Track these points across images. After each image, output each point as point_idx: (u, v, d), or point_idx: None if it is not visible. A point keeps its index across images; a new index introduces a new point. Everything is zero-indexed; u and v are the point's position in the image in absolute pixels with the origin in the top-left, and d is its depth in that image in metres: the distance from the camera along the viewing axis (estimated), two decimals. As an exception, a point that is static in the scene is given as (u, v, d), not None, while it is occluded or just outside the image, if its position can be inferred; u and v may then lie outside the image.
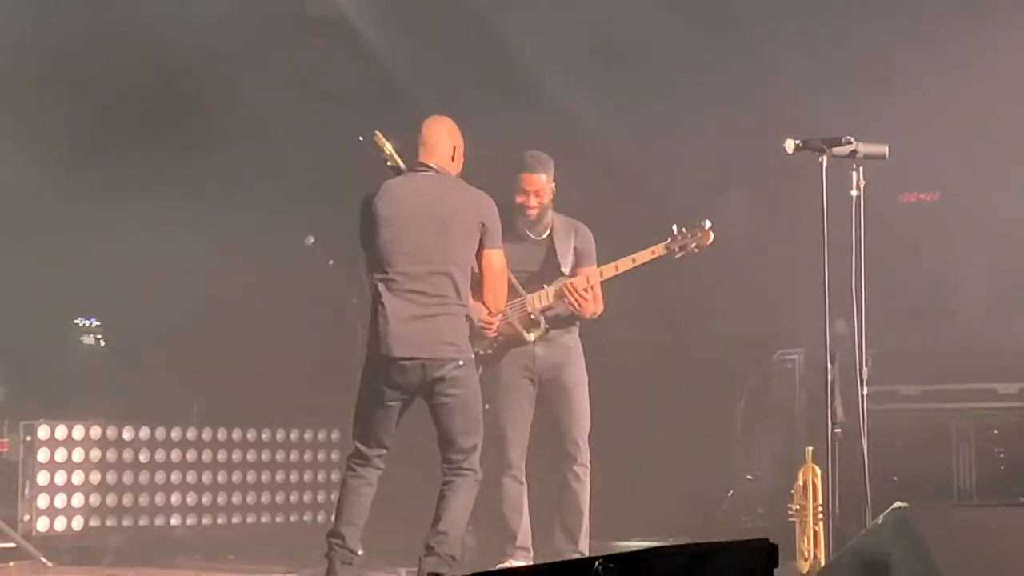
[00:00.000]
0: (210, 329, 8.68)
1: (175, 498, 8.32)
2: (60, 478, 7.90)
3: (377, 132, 6.22)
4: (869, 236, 5.84)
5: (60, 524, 7.88)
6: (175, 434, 8.36)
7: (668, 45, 8.51)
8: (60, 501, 7.89)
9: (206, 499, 8.44)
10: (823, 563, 5.92)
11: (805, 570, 6.14)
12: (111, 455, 8.10)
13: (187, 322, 8.72)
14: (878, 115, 7.34)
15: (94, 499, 8.01)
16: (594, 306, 6.75)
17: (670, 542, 7.12)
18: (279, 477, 8.75)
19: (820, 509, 6.09)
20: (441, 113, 6.25)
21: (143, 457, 8.22)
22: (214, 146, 8.58)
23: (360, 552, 6.11)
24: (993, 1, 7.99)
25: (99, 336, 8.83)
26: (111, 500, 8.08)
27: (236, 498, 8.57)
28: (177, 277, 8.70)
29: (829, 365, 5.88)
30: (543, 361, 6.76)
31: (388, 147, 6.22)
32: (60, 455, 7.91)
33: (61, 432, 7.93)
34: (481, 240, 6.00)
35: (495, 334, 6.55)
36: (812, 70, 8.06)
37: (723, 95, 8.27)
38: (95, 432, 8.06)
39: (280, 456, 8.78)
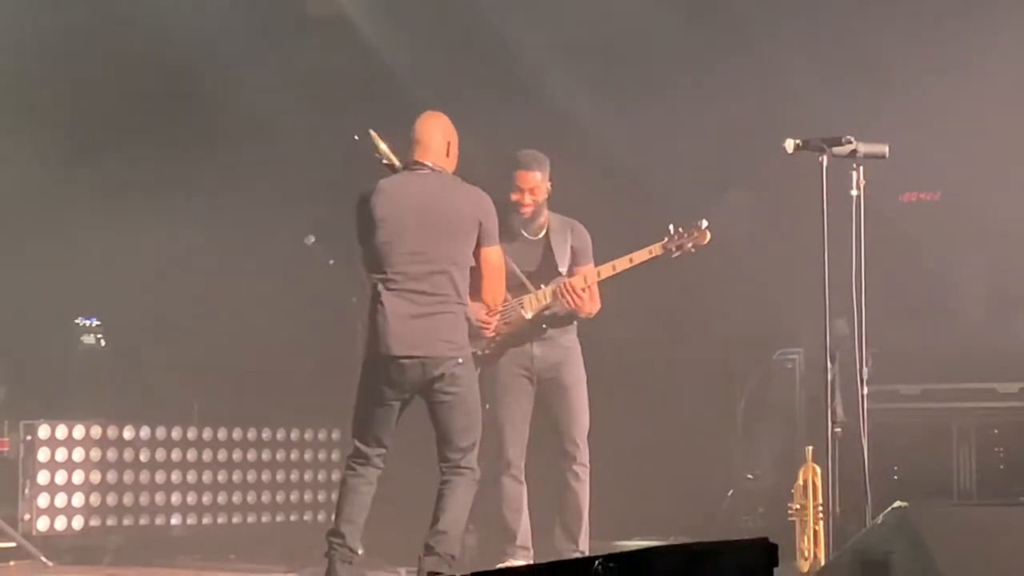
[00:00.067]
0: (210, 329, 8.68)
1: (175, 497, 8.32)
2: (60, 477, 7.90)
3: (371, 131, 6.21)
4: (869, 236, 5.85)
5: (60, 523, 7.88)
6: (175, 433, 8.36)
7: (668, 45, 8.51)
8: (60, 500, 7.89)
9: (206, 498, 8.44)
10: (823, 562, 5.92)
11: (805, 569, 6.15)
12: (111, 454, 8.10)
13: (187, 322, 8.73)
14: (878, 115, 7.34)
15: (94, 498, 8.01)
16: (591, 305, 6.74)
17: (670, 541, 7.11)
18: (279, 476, 8.75)
19: (820, 508, 6.10)
20: (442, 111, 6.24)
21: (143, 456, 8.22)
22: (214, 146, 8.58)
23: (360, 551, 6.12)
24: (993, 1, 7.99)
25: (99, 336, 8.83)
26: (111, 499, 8.08)
27: (236, 497, 8.57)
28: (177, 277, 8.71)
29: (829, 364, 5.88)
30: (541, 361, 6.76)
31: (383, 146, 6.21)
32: (60, 454, 7.91)
33: (61, 431, 7.93)
34: (479, 238, 6.00)
35: (493, 334, 6.55)
36: (812, 70, 8.06)
37: (723, 95, 8.27)
38: (95, 431, 8.06)
39: (280, 455, 8.77)
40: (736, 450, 8.32)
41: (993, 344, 7.60)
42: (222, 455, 8.52)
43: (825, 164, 5.87)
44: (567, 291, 6.64)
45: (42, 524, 7.81)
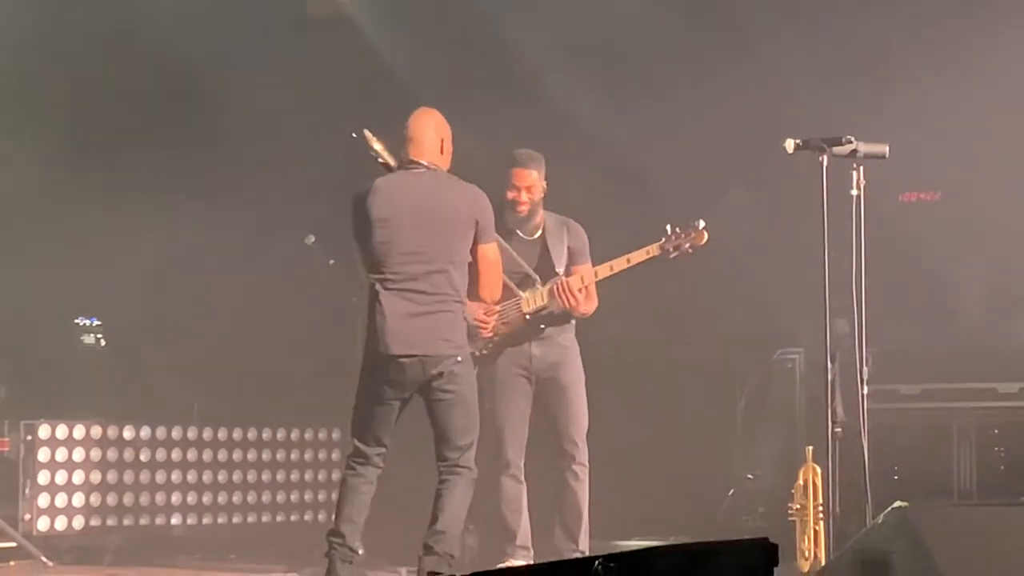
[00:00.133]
0: (210, 329, 8.68)
1: (175, 497, 8.32)
2: (61, 477, 7.89)
3: (366, 130, 6.20)
4: (869, 235, 5.85)
5: (61, 523, 7.88)
6: (175, 433, 8.35)
7: (668, 45, 8.50)
8: (61, 500, 7.89)
9: (206, 498, 8.43)
10: (823, 562, 5.92)
11: (805, 569, 6.15)
12: (111, 454, 8.09)
13: (187, 322, 8.72)
14: (878, 115, 7.34)
15: (94, 498, 8.01)
16: (587, 305, 6.74)
17: (670, 541, 7.12)
18: (279, 476, 8.75)
19: (820, 508, 6.10)
20: (441, 112, 6.24)
21: (143, 456, 8.22)
22: (214, 146, 8.58)
23: (361, 551, 6.12)
24: (993, 1, 7.99)
25: (99, 336, 8.83)
26: (111, 499, 8.07)
27: (236, 497, 8.56)
28: (177, 277, 8.70)
29: (829, 364, 5.88)
30: (539, 361, 6.76)
31: (377, 146, 6.19)
32: (61, 454, 7.91)
33: (62, 431, 7.93)
34: (475, 235, 6.00)
35: (490, 334, 6.55)
36: (812, 70, 8.06)
37: (723, 95, 8.27)
38: (95, 431, 8.06)
39: (280, 455, 8.77)
40: (736, 450, 8.32)
41: (993, 344, 7.61)
42: (222, 455, 8.52)
43: (825, 164, 5.87)
44: (563, 291, 6.63)
45: (42, 524, 7.81)
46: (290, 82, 8.84)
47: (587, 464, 6.74)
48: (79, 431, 8.00)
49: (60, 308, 8.74)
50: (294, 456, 8.83)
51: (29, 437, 7.83)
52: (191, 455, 8.39)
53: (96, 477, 8.02)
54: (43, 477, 7.84)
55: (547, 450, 6.80)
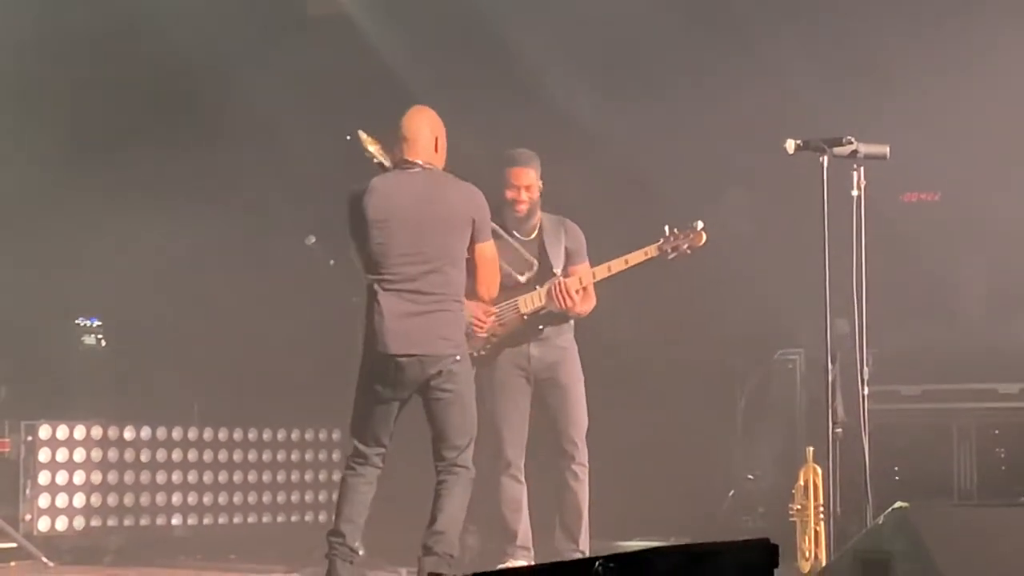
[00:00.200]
0: (210, 329, 8.68)
1: (176, 498, 8.32)
2: (61, 478, 7.90)
3: (360, 132, 6.19)
4: (870, 236, 5.85)
5: (61, 524, 7.88)
6: (176, 434, 8.35)
7: (668, 45, 8.50)
8: (61, 501, 7.89)
9: (207, 499, 8.44)
10: (824, 563, 5.92)
11: (806, 570, 6.15)
12: (112, 455, 8.09)
13: (188, 322, 8.73)
14: (878, 115, 7.35)
15: (95, 499, 8.01)
16: (585, 305, 6.74)
17: (671, 542, 7.12)
18: (280, 477, 8.75)
19: (821, 509, 6.10)
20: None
21: (144, 457, 8.22)
22: (215, 146, 8.58)
23: (361, 552, 6.12)
24: (993, 1, 7.99)
25: (100, 336, 8.83)
26: (112, 500, 8.07)
27: (237, 498, 8.56)
28: (178, 277, 8.70)
29: (830, 365, 5.88)
30: (538, 361, 6.76)
31: (371, 147, 6.18)
32: (61, 455, 7.91)
33: (62, 432, 7.93)
34: (472, 234, 6.00)
35: (484, 334, 6.54)
36: (812, 70, 8.06)
37: (723, 95, 8.26)
38: (96, 432, 8.06)
39: (281, 456, 8.77)
40: (737, 450, 8.32)
41: (994, 344, 7.61)
42: (223, 455, 8.52)
43: (826, 164, 5.87)
44: (561, 292, 6.63)
45: (43, 524, 7.82)
46: (290, 82, 8.84)
47: (587, 464, 6.74)
48: (80, 431, 8.00)
49: (61, 308, 8.74)
50: (294, 456, 8.83)
51: (30, 437, 7.84)
52: (191, 455, 8.39)
53: (96, 477, 8.03)
54: (43, 477, 7.84)
55: (547, 451, 6.80)
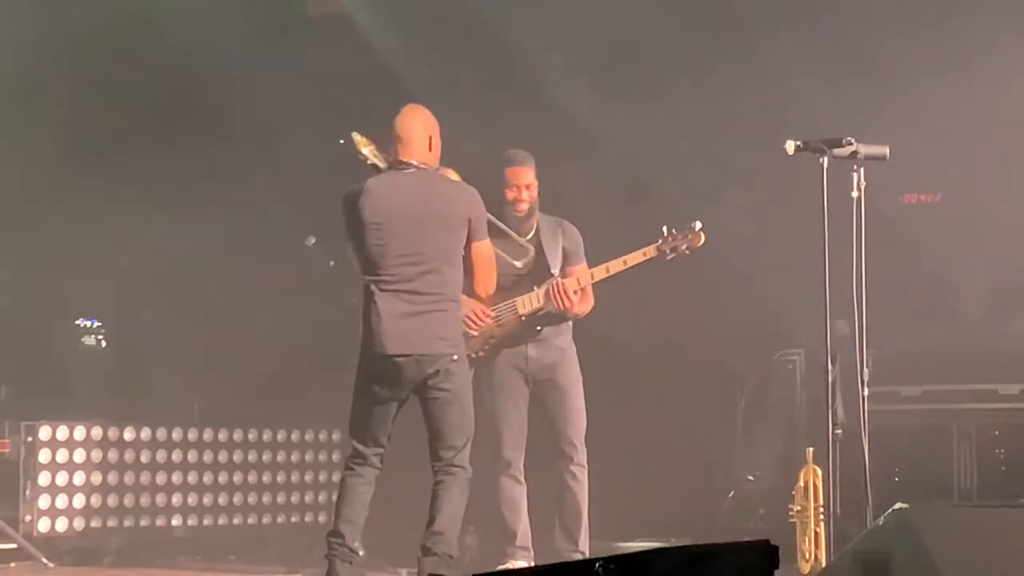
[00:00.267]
0: (210, 330, 8.69)
1: (176, 499, 8.32)
2: (61, 479, 7.90)
3: (354, 134, 6.18)
4: (870, 237, 5.85)
5: (61, 525, 7.88)
6: (176, 435, 8.35)
7: (668, 45, 8.50)
8: (61, 502, 7.89)
9: (207, 500, 8.43)
10: (824, 564, 5.92)
11: (806, 571, 6.15)
12: (112, 456, 8.09)
13: (188, 323, 8.73)
14: (878, 116, 7.34)
15: (95, 500, 8.01)
16: (583, 305, 6.73)
17: (671, 543, 7.13)
18: (280, 478, 8.75)
19: (821, 510, 6.10)
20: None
21: (144, 458, 8.22)
22: (215, 146, 8.57)
23: (361, 552, 6.12)
24: (993, 1, 7.99)
25: (100, 337, 8.83)
26: (112, 501, 8.07)
27: (237, 499, 8.56)
28: (178, 278, 8.70)
29: (830, 366, 5.87)
30: (536, 362, 6.75)
31: (365, 150, 6.17)
32: (61, 456, 7.91)
33: (62, 433, 7.93)
34: (468, 233, 5.99)
35: (476, 332, 6.52)
36: (812, 71, 8.05)
37: (723, 95, 8.26)
38: (96, 433, 8.06)
39: (281, 457, 8.77)
40: (737, 451, 8.32)
41: (994, 345, 7.60)
42: (223, 456, 8.52)
43: (826, 165, 5.86)
44: (559, 292, 6.62)
45: (43, 525, 7.82)
46: (290, 82, 8.84)
47: (586, 465, 6.73)
48: (80, 432, 8.00)
49: (61, 309, 8.74)
50: (295, 457, 8.83)
51: (30, 438, 7.83)
52: (191, 456, 8.39)
53: (97, 478, 8.03)
54: (44, 478, 7.84)
55: (546, 451, 6.80)
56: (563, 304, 6.64)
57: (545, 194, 6.81)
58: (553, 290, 6.63)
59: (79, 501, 7.95)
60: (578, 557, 6.56)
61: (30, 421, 7.88)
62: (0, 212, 8.43)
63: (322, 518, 8.73)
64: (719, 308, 8.43)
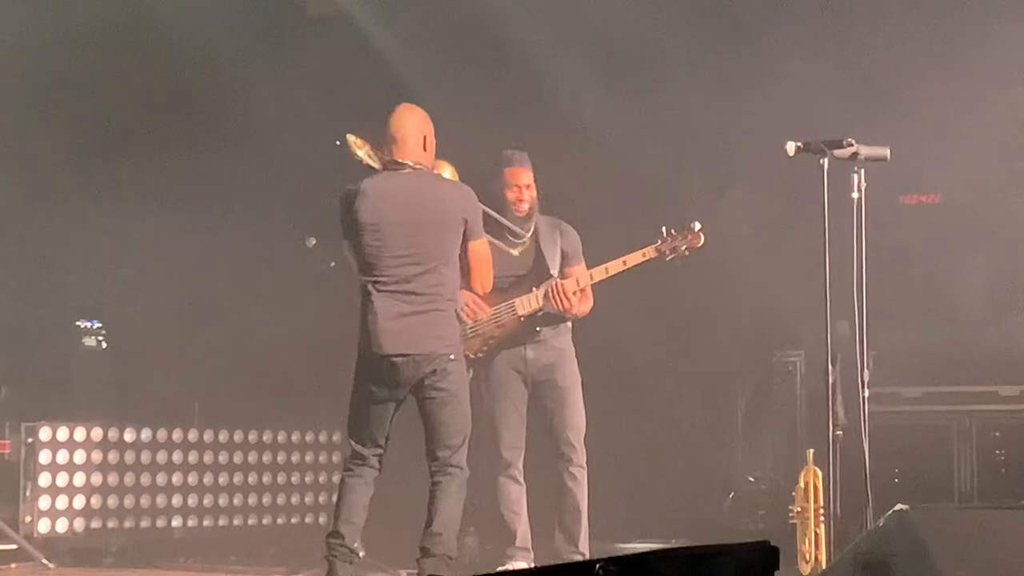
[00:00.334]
0: (211, 331, 8.68)
1: (176, 500, 8.31)
2: (62, 480, 7.89)
3: (349, 136, 6.18)
4: (870, 238, 5.85)
5: (62, 526, 7.88)
6: (176, 436, 8.34)
7: (668, 45, 8.50)
8: (61, 503, 7.89)
9: (207, 501, 8.43)
10: (824, 565, 5.92)
11: (806, 572, 6.15)
12: (112, 457, 8.08)
13: (188, 324, 8.73)
14: (879, 117, 7.34)
15: (95, 501, 8.00)
16: (582, 306, 6.73)
17: (671, 544, 7.13)
18: (280, 479, 8.74)
19: (821, 511, 6.10)
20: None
21: (144, 459, 8.21)
22: (216, 147, 8.58)
23: (362, 553, 6.12)
24: (994, 2, 7.99)
25: (101, 338, 8.83)
26: (112, 502, 8.07)
27: (237, 500, 8.55)
28: (179, 279, 8.70)
29: (830, 367, 5.87)
30: (535, 363, 6.75)
31: (360, 152, 6.17)
32: (62, 457, 7.90)
33: (63, 434, 7.92)
34: (465, 232, 6.00)
35: (471, 319, 6.51)
36: (813, 72, 8.05)
37: (724, 97, 8.27)
38: (96, 434, 8.05)
39: (281, 458, 8.76)
40: (737, 452, 8.32)
41: (994, 346, 7.61)
42: (223, 457, 8.51)
43: (826, 167, 5.86)
44: (558, 293, 6.62)
45: (43, 526, 7.81)
46: (291, 82, 8.84)
47: (585, 466, 6.73)
48: (80, 433, 7.99)
49: (61, 310, 8.74)
50: (295, 458, 8.83)
51: (30, 439, 7.83)
52: (192, 457, 8.38)
53: (97, 479, 8.02)
54: (44, 479, 7.84)
55: (546, 452, 6.79)
56: (562, 305, 6.64)
57: (544, 194, 6.81)
58: (552, 291, 6.63)
59: (79, 502, 7.95)
60: (578, 558, 6.56)
61: (30, 422, 7.87)
62: (0, 213, 8.42)
63: (323, 519, 8.73)
64: (719, 309, 8.44)
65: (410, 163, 6.02)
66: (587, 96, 8.60)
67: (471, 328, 6.58)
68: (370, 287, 5.94)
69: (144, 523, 8.19)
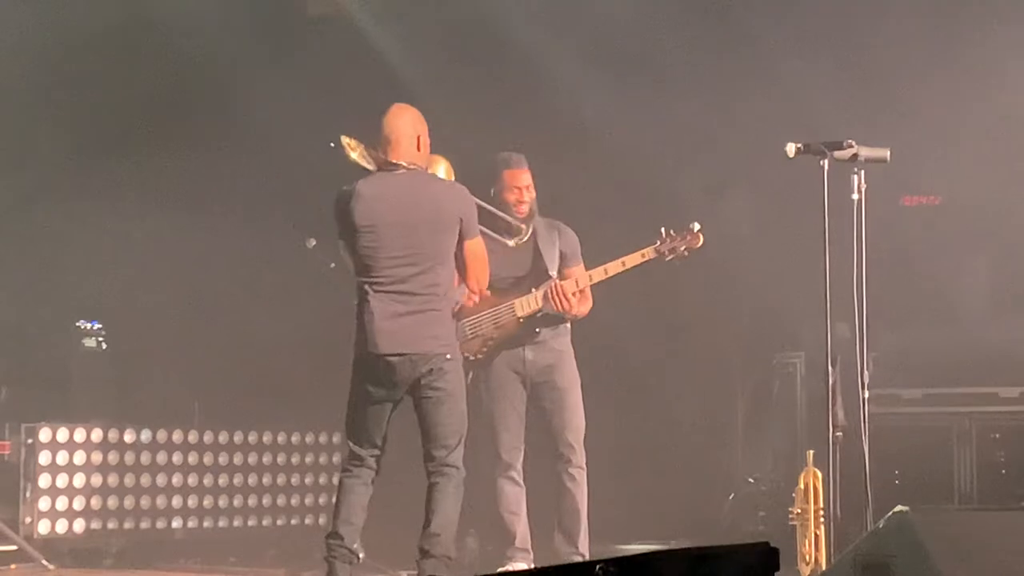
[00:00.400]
0: (211, 332, 8.68)
1: (176, 501, 8.31)
2: (62, 481, 7.89)
3: (343, 138, 6.17)
4: (870, 239, 5.84)
5: (62, 527, 7.88)
6: (176, 437, 8.34)
7: (668, 46, 8.50)
8: (62, 504, 7.88)
9: (207, 502, 8.43)
10: (824, 567, 5.92)
11: (806, 574, 6.14)
12: (112, 457, 8.08)
13: (188, 325, 8.73)
14: (879, 118, 7.34)
15: (95, 502, 8.00)
16: (581, 307, 6.73)
17: (671, 545, 7.13)
18: (280, 480, 8.74)
19: (821, 512, 6.09)
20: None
21: (144, 460, 8.21)
22: (216, 147, 8.58)
23: (362, 554, 6.11)
24: (994, 3, 7.99)
25: (101, 339, 8.83)
26: (112, 503, 8.07)
27: (237, 501, 8.55)
28: (179, 280, 8.70)
29: (830, 368, 5.87)
30: (533, 364, 6.75)
31: (354, 154, 6.16)
32: (62, 458, 7.90)
33: (63, 435, 7.92)
34: (460, 232, 5.99)
35: (472, 303, 6.50)
36: (813, 73, 8.05)
37: (724, 98, 8.27)
38: (96, 435, 8.05)
39: (281, 459, 8.76)
40: (737, 453, 8.32)
41: (995, 348, 7.60)
42: (223, 458, 8.51)
43: (826, 168, 5.86)
44: (557, 294, 6.62)
45: (43, 527, 7.81)
46: (290, 82, 8.84)
47: (584, 467, 6.72)
48: (80, 434, 7.99)
49: (61, 311, 8.74)
50: (295, 459, 8.82)
51: (30, 440, 7.83)
52: (192, 458, 8.38)
53: (97, 480, 8.02)
54: (44, 480, 7.83)
55: (546, 453, 6.79)
56: (562, 306, 6.63)
57: (543, 195, 6.80)
58: (551, 292, 6.63)
59: (79, 503, 7.95)
60: (578, 559, 6.56)
61: (31, 423, 7.87)
62: (0, 213, 8.42)
63: (323, 520, 8.72)
64: (719, 309, 8.44)
65: (404, 163, 6.01)
66: (586, 96, 8.60)
67: (470, 330, 6.58)
68: (366, 287, 5.94)
69: (144, 524, 8.19)
